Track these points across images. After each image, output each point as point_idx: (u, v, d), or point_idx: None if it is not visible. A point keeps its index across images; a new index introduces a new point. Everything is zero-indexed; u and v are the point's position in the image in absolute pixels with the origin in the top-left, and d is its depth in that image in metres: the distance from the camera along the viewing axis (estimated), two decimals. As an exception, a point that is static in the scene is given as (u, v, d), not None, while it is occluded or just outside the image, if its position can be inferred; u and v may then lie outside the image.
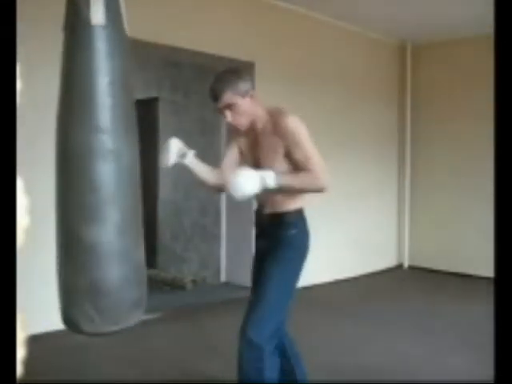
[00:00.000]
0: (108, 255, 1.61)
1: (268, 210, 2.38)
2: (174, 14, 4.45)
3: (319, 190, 2.22)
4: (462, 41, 6.16)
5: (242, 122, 2.30)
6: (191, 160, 2.37)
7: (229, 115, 2.27)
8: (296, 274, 2.38)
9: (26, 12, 3.04)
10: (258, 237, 2.50)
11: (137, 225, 1.72)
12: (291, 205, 2.34)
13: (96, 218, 1.59)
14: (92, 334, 1.69)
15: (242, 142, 2.45)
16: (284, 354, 2.42)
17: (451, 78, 6.32)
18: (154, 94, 6.33)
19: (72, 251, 1.61)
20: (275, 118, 2.30)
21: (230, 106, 2.25)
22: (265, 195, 2.29)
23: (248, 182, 2.08)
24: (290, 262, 2.34)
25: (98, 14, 1.55)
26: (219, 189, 2.50)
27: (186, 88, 5.95)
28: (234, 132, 2.44)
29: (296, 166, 2.25)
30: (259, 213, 2.46)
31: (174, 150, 2.31)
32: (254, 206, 2.54)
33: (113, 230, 1.62)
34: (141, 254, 1.73)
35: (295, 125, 2.24)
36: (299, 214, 2.38)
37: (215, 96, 2.26)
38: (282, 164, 2.27)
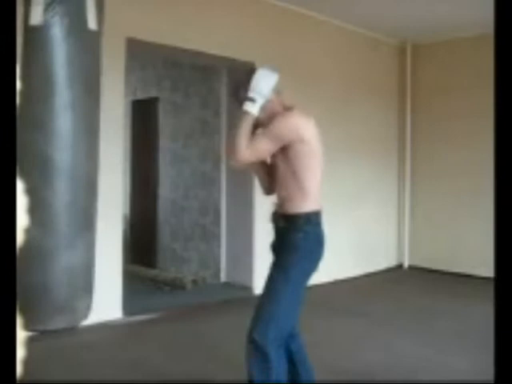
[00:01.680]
0: (36, 254, 1.60)
1: (280, 211, 2.41)
2: (174, 14, 4.45)
3: (234, 154, 2.26)
4: (462, 41, 6.15)
5: (262, 118, 2.34)
6: None
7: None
8: (303, 279, 2.39)
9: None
10: (274, 238, 2.51)
11: (78, 227, 1.70)
12: (301, 207, 2.36)
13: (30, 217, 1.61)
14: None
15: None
16: (290, 359, 2.42)
17: (451, 78, 6.32)
18: (153, 94, 6.33)
19: None
20: (276, 115, 2.36)
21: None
22: (280, 196, 2.39)
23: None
24: (296, 266, 2.34)
25: (37, 15, 1.57)
26: (269, 190, 2.57)
27: (185, 88, 5.95)
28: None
29: (289, 161, 2.33)
30: (274, 213, 2.48)
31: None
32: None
33: (43, 229, 1.61)
34: (73, 256, 1.71)
35: (281, 121, 2.32)
36: (310, 217, 2.40)
37: (234, 94, 2.43)
38: (279, 161, 2.37)
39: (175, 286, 5.39)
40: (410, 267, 6.64)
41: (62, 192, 1.62)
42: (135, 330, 4.06)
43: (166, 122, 6.21)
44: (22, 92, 1.45)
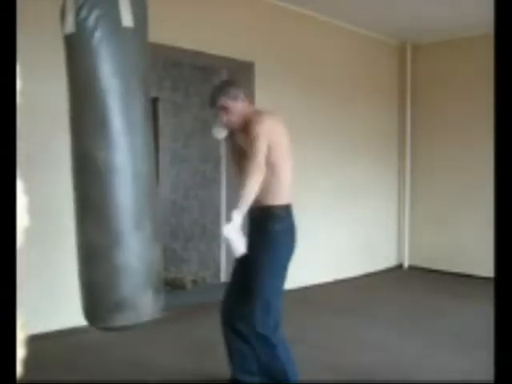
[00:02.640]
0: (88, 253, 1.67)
1: (257, 204, 2.53)
2: (174, 14, 4.45)
3: (255, 175, 2.44)
4: (462, 41, 6.15)
5: (233, 121, 2.69)
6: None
7: (223, 116, 2.69)
8: (282, 265, 2.56)
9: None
10: (249, 229, 2.66)
11: (150, 223, 1.77)
12: (277, 200, 2.56)
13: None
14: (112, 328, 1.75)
15: (232, 144, 2.84)
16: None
17: (451, 78, 6.32)
18: (154, 94, 6.32)
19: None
20: (250, 122, 2.58)
21: (223, 108, 2.68)
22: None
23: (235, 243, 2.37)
24: (277, 253, 2.54)
25: (69, 24, 1.58)
26: None
27: (186, 88, 5.95)
28: (229, 135, 2.78)
29: (270, 164, 2.52)
30: (252, 207, 2.57)
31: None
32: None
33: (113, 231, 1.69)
34: (127, 254, 1.76)
35: (257, 129, 2.52)
36: (285, 208, 2.60)
37: (212, 101, 2.71)
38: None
39: (175, 285, 5.39)
40: (410, 267, 6.64)
41: (116, 192, 1.67)
42: (135, 330, 4.06)
43: (166, 122, 6.21)
44: (69, 100, 1.47)
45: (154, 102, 6.32)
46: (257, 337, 2.46)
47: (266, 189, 2.51)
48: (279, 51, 5.27)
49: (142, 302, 1.77)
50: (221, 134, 2.71)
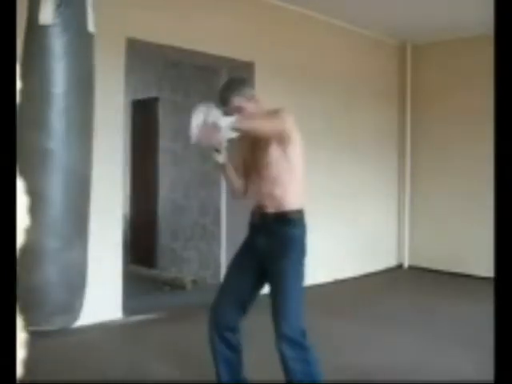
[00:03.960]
0: (34, 255, 1.59)
1: (271, 209, 2.44)
2: (174, 14, 4.45)
3: (276, 128, 2.36)
4: (462, 41, 6.15)
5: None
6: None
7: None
8: (303, 271, 2.47)
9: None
10: (256, 235, 2.54)
11: (75, 227, 1.70)
12: (295, 203, 2.44)
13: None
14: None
15: (245, 146, 2.61)
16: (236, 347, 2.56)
17: (451, 78, 6.32)
18: (154, 94, 6.32)
19: None
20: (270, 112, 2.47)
21: (237, 109, 2.44)
22: (265, 194, 2.43)
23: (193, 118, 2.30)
24: (299, 259, 2.44)
25: (46, 15, 1.55)
26: (241, 193, 2.67)
27: (186, 88, 5.95)
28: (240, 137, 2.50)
29: (286, 157, 2.40)
30: (260, 212, 2.50)
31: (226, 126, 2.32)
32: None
33: (40, 229, 1.60)
34: (74, 256, 1.70)
35: (281, 112, 2.44)
36: (302, 212, 2.47)
37: (224, 101, 2.49)
38: (275, 157, 2.40)
39: (175, 285, 5.39)
40: (410, 267, 6.64)
41: (59, 191, 1.63)
42: (135, 330, 4.06)
43: (166, 122, 6.21)
44: (22, 91, 1.45)
45: (154, 102, 6.32)
46: (288, 343, 2.34)
47: (284, 190, 2.40)
48: (279, 51, 5.27)
49: (78, 305, 1.75)
50: (231, 134, 2.39)
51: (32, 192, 1.51)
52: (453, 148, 6.31)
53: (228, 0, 4.88)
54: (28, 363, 0.89)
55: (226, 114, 2.43)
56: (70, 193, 1.65)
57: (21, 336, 0.85)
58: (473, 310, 4.70)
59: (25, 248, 1.50)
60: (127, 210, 6.31)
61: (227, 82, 2.59)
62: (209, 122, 2.28)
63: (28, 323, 1.56)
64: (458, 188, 6.27)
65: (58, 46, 1.58)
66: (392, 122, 6.69)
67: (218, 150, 2.49)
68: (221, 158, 2.51)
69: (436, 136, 6.46)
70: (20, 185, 0.87)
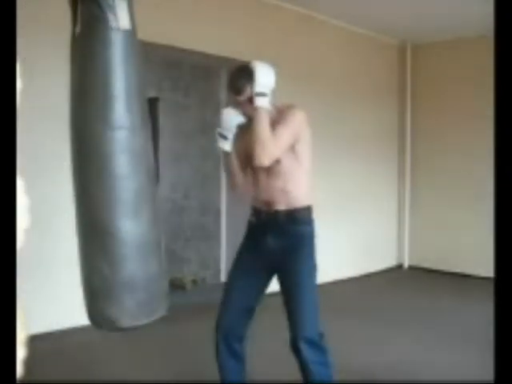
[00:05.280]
0: (144, 247, 1.64)
1: (281, 207, 2.36)
2: (174, 14, 4.45)
3: (259, 155, 2.23)
4: (462, 41, 6.15)
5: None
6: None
7: (248, 108, 2.31)
8: (316, 267, 2.42)
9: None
10: (263, 234, 2.43)
11: (158, 216, 1.75)
12: (307, 200, 2.38)
13: (131, 212, 1.62)
14: (127, 328, 1.71)
15: (248, 138, 2.39)
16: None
17: (451, 78, 6.32)
18: (153, 94, 6.32)
19: (106, 246, 1.60)
20: (284, 110, 2.35)
21: (250, 100, 2.28)
22: (275, 191, 2.34)
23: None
24: (313, 258, 2.39)
25: (124, 19, 1.58)
26: (240, 187, 2.57)
27: (186, 88, 5.95)
28: (242, 128, 2.41)
29: (297, 156, 2.32)
30: (268, 209, 2.40)
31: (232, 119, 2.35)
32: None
33: (146, 222, 1.65)
34: (162, 245, 1.77)
35: (296, 113, 2.32)
36: (311, 210, 2.42)
37: (238, 90, 2.31)
38: (287, 154, 2.31)
39: (175, 285, 5.39)
40: (410, 267, 6.64)
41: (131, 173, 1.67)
42: (135, 330, 4.06)
43: (166, 122, 6.21)
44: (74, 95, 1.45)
45: (154, 101, 6.31)
46: (308, 345, 2.28)
47: (294, 187, 2.34)
48: (279, 51, 5.27)
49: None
50: (240, 118, 2.32)
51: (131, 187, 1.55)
52: (453, 148, 6.31)
53: (228, 0, 4.88)
54: (28, 363, 0.89)
55: (238, 104, 2.35)
56: (138, 172, 1.66)
57: (21, 336, 0.85)
58: (473, 310, 4.70)
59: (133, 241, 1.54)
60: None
61: (239, 68, 2.35)
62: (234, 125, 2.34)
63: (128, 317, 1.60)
64: (458, 188, 6.27)
65: (125, 48, 1.61)
66: (392, 122, 6.68)
67: (225, 137, 2.38)
68: (227, 145, 2.39)
69: (436, 136, 6.46)
70: (20, 185, 0.87)
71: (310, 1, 5.16)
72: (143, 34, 4.51)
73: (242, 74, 2.30)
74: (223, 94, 5.54)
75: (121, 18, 1.58)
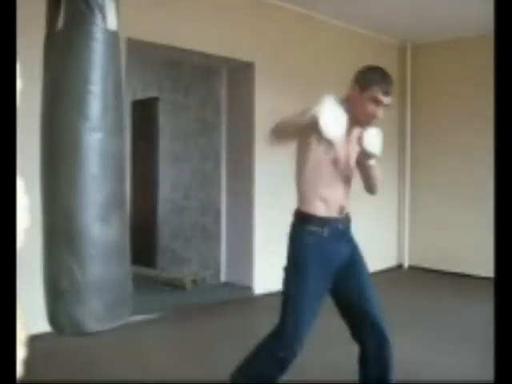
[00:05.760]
0: (113, 250, 1.63)
1: (345, 213, 2.49)
2: (174, 14, 4.45)
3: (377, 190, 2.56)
4: (462, 41, 6.15)
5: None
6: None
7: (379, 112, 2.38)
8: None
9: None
10: (338, 241, 2.47)
11: (127, 221, 1.76)
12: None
13: (102, 214, 1.60)
14: (93, 332, 1.67)
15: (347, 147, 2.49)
16: None
17: (451, 78, 6.32)
18: (154, 94, 6.33)
19: (76, 247, 1.57)
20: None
21: (388, 105, 2.35)
22: (343, 197, 2.47)
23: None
24: None
25: (112, 20, 1.57)
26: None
27: (186, 88, 5.95)
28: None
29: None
30: (337, 217, 2.45)
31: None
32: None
33: (116, 226, 1.65)
34: (119, 240, 1.73)
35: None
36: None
37: (391, 90, 2.33)
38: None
39: (175, 285, 5.39)
40: (410, 267, 6.64)
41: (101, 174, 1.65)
42: (135, 330, 4.06)
43: (166, 122, 6.21)
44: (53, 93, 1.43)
45: (154, 102, 6.32)
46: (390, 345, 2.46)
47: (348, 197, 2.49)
48: (279, 51, 5.27)
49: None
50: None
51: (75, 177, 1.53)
52: (453, 148, 6.31)
53: (228, 0, 4.88)
54: (28, 363, 0.89)
55: (382, 106, 2.34)
56: (110, 175, 1.66)
57: (21, 336, 0.85)
58: (473, 310, 4.70)
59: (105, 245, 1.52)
60: (127, 210, 6.30)
61: (386, 71, 2.41)
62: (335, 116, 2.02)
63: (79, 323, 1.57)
64: (458, 188, 6.27)
65: (105, 47, 1.59)
66: (392, 122, 6.68)
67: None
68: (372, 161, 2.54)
69: (436, 136, 6.46)
70: (20, 185, 0.87)
71: (310, 1, 5.16)
72: (144, 34, 4.52)
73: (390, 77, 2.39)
74: (223, 93, 5.54)
75: (109, 19, 1.57)
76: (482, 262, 5.67)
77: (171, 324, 4.21)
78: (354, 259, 2.43)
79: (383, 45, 6.49)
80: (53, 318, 1.65)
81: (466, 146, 6.18)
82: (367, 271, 2.46)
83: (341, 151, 2.37)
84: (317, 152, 2.28)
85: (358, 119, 2.27)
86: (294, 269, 2.32)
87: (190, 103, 5.93)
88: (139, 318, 4.28)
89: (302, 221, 2.35)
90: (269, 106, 5.06)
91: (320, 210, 2.36)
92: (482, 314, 4.25)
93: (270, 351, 2.30)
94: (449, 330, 4.13)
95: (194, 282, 5.43)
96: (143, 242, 6.43)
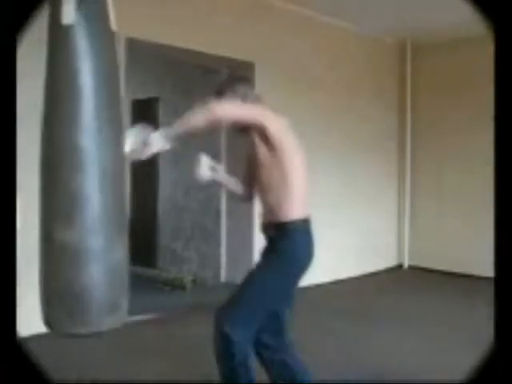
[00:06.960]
0: (78, 256, 1.59)
1: (266, 219, 2.33)
2: (174, 14, 4.45)
3: (210, 116, 2.32)
4: (462, 41, 6.15)
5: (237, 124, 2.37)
6: (223, 174, 2.58)
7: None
8: (280, 285, 2.39)
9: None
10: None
11: (115, 225, 1.71)
12: (288, 215, 2.23)
13: (67, 219, 1.54)
14: (64, 335, 1.67)
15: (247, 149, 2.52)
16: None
17: (451, 78, 6.32)
18: (154, 94, 6.32)
19: (47, 253, 1.53)
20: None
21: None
22: (265, 203, 2.32)
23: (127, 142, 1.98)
24: (276, 271, 2.31)
25: (68, 14, 1.54)
26: (246, 198, 2.64)
27: (185, 88, 5.95)
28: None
29: (278, 164, 2.24)
30: (263, 222, 2.38)
31: (205, 166, 2.52)
32: (260, 206, 2.49)
33: (83, 230, 1.59)
34: (118, 255, 1.72)
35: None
36: (296, 225, 2.25)
37: (219, 93, 2.52)
38: (268, 163, 2.27)
39: (175, 286, 5.39)
40: (410, 267, 6.64)
41: (95, 189, 1.61)
42: (135, 330, 4.06)
43: (166, 122, 6.20)
44: (49, 91, 1.42)
45: (154, 101, 6.32)
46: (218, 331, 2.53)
47: (276, 199, 2.23)
48: (279, 51, 5.27)
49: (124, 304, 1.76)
50: (164, 146, 2.18)
51: (67, 191, 1.52)
52: (453, 148, 6.31)
53: (228, 0, 4.89)
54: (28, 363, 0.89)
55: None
56: (105, 191, 1.65)
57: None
58: (473, 310, 4.70)
59: (67, 249, 1.50)
60: (127, 210, 6.31)
61: (225, 79, 2.76)
62: (140, 140, 2.06)
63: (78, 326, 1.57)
64: (458, 188, 6.27)
65: (82, 44, 1.57)
66: (392, 122, 6.68)
67: (214, 169, 2.55)
68: (219, 175, 2.58)
69: (436, 136, 6.46)
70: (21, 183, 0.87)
71: (310, 1, 5.16)
72: (144, 34, 4.52)
73: (225, 82, 2.60)
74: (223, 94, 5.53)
75: (105, 18, 1.56)
76: (482, 262, 5.67)
77: (171, 324, 4.21)
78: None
79: (383, 45, 6.50)
80: (49, 318, 1.65)
81: (467, 146, 6.18)
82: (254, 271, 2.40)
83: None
84: None
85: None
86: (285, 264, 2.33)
87: (189, 103, 5.92)
88: (139, 318, 4.29)
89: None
90: (269, 106, 5.05)
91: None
92: (482, 314, 4.25)
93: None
94: (449, 330, 4.13)
95: (194, 282, 5.43)
96: (143, 242, 6.44)
